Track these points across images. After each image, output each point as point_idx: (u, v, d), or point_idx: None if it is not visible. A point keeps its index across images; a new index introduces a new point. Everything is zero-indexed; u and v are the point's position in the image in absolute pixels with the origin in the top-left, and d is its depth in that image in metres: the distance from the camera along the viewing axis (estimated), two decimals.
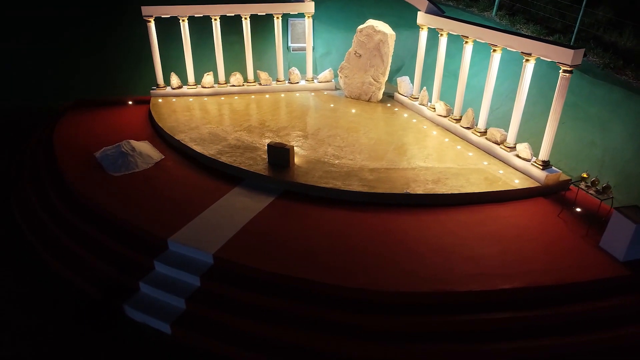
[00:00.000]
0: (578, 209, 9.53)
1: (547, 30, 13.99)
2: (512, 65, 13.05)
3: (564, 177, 10.39)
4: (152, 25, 14.22)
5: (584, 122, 11.14)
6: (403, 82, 14.71)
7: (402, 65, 17.13)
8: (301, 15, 16.08)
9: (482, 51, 13.12)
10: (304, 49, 16.81)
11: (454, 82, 14.82)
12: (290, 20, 16.84)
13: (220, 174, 10.91)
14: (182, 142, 11.93)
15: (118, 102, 15.28)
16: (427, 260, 8.16)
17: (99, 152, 11.77)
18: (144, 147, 11.80)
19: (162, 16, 14.19)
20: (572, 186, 10.33)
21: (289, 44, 17.20)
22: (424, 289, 7.50)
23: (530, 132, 11.96)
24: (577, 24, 13.03)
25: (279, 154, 10.69)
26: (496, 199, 9.90)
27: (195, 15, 14.40)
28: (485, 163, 11.09)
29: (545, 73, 11.98)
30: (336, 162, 11.06)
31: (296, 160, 11.01)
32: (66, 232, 9.49)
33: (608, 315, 7.63)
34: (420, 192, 9.81)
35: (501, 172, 10.67)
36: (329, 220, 9.29)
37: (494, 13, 15.43)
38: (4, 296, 8.48)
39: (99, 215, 9.61)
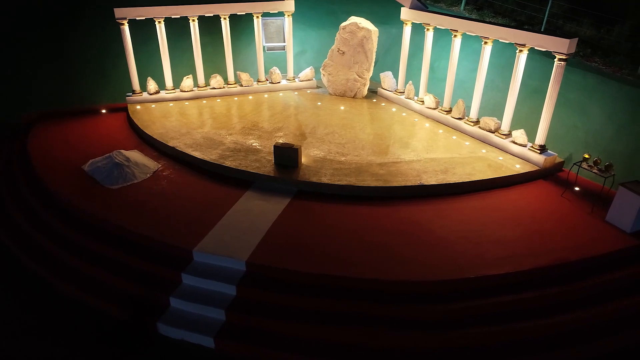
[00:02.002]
0: (577, 188, 10.19)
1: (516, 22, 14.79)
2: (491, 57, 13.67)
3: (558, 159, 11.06)
4: (125, 28, 13.48)
5: (565, 107, 11.91)
6: (386, 77, 14.98)
7: (376, 61, 17.41)
8: (273, 14, 15.88)
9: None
10: (278, 48, 16.64)
11: (431, 75, 15.31)
12: (263, 20, 16.58)
13: (225, 179, 10.58)
14: (178, 148, 11.43)
15: (88, 111, 14.36)
16: (458, 247, 8.40)
17: (87, 165, 11.02)
18: (137, 156, 11.19)
19: (137, 18, 13.48)
20: (565, 167, 11.05)
21: (263, 44, 16.93)
22: (465, 276, 7.71)
23: (514, 119, 12.60)
24: (546, 15, 13.90)
25: (287, 155, 10.53)
26: (503, 184, 10.37)
27: (172, 17, 13.81)
28: (484, 151, 11.57)
29: (525, 63, 12.67)
30: (342, 159, 11.08)
31: (303, 159, 10.90)
32: (75, 253, 8.81)
33: (626, 283, 8.22)
34: (434, 182, 10.06)
35: (501, 158, 11.18)
36: (352, 217, 9.31)
37: (462, 8, 16.03)
38: (18, 327, 7.74)
39: (109, 232, 9.00)
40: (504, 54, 13.38)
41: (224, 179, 10.57)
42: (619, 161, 10.75)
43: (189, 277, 8.10)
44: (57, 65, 14.53)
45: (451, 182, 10.10)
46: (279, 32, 16.73)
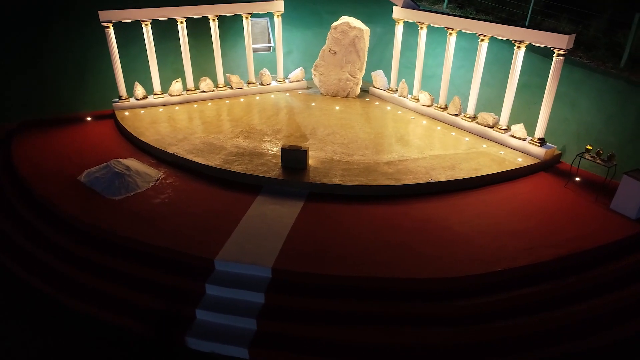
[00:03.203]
0: (577, 179, 10.57)
1: (499, 19, 15.16)
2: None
3: (557, 151, 11.44)
4: (110, 32, 12.93)
5: (555, 101, 12.30)
6: (378, 76, 15.05)
7: None
8: (259, 15, 15.66)
9: (443, 42, 13.76)
10: (263, 49, 16.43)
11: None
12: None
13: (231, 184, 10.33)
14: (179, 155, 11.07)
15: (71, 119, 13.70)
16: (477, 242, 8.52)
17: (84, 176, 10.50)
18: (136, 164, 10.76)
19: (123, 21, 12.94)
20: (562, 159, 11.44)
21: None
22: (493, 269, 7.82)
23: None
24: (530, 13, 14.33)
25: (295, 157, 10.39)
26: (508, 177, 10.62)
27: (160, 19, 13.34)
28: (484, 146, 11.81)
29: (511, 58, 13.00)
30: (349, 159, 11.04)
31: (310, 161, 10.79)
32: (87, 270, 8.36)
33: (635, 269, 8.58)
34: (444, 178, 10.18)
35: (502, 153, 11.45)
36: (368, 217, 9.28)
37: (444, 6, 16.30)
38: (37, 351, 7.27)
39: (120, 245, 8.60)
40: (491, 50, 13.69)
41: (230, 184, 10.32)
42: (611, 150, 11.23)
43: (213, 287, 7.85)
44: (34, 71, 13.77)
45: (460, 177, 10.25)
46: (263, 32, 16.50)
